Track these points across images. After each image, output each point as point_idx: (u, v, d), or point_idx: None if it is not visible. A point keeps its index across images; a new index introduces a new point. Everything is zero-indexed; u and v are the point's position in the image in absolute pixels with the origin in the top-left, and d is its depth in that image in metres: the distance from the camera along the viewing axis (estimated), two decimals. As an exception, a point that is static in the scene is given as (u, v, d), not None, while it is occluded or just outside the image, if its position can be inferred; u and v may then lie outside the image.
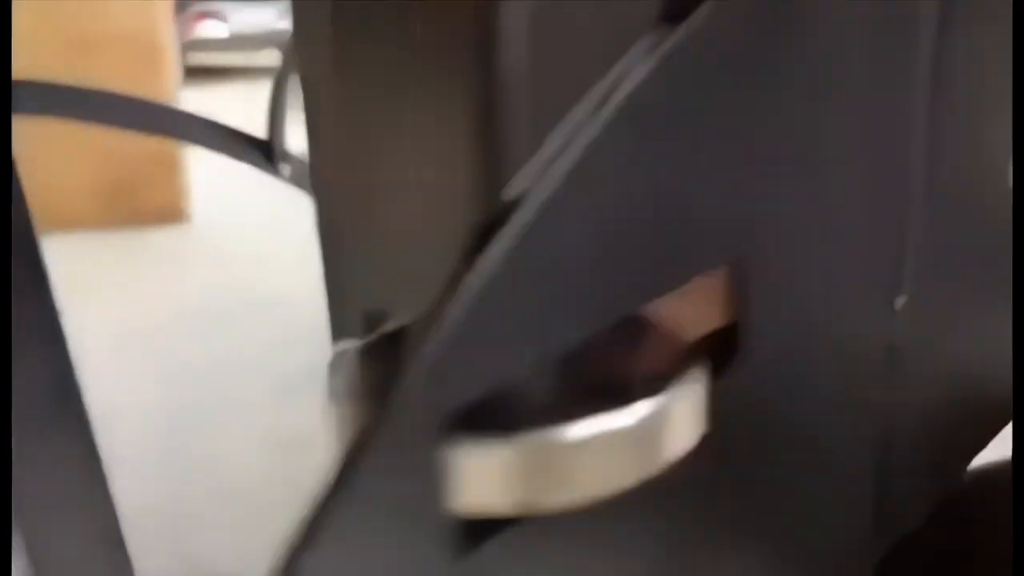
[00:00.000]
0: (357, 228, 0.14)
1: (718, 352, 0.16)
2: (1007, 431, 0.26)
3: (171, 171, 1.20)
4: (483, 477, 0.11)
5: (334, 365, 0.13)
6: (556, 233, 0.11)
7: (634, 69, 0.12)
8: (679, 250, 0.13)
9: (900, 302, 0.21)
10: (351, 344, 0.13)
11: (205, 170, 1.19)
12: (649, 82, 0.12)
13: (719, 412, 0.15)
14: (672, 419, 0.13)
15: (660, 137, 0.12)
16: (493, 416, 0.12)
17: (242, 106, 0.93)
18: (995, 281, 0.23)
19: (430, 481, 0.11)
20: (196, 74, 1.82)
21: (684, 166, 0.13)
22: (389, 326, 0.13)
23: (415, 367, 0.10)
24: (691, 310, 0.15)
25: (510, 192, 0.11)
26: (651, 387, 0.13)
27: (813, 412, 0.19)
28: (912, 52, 0.18)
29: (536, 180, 0.11)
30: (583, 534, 0.13)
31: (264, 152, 0.75)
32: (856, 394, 0.20)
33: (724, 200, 0.14)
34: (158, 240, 1.17)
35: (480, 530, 0.12)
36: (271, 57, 1.59)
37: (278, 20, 1.93)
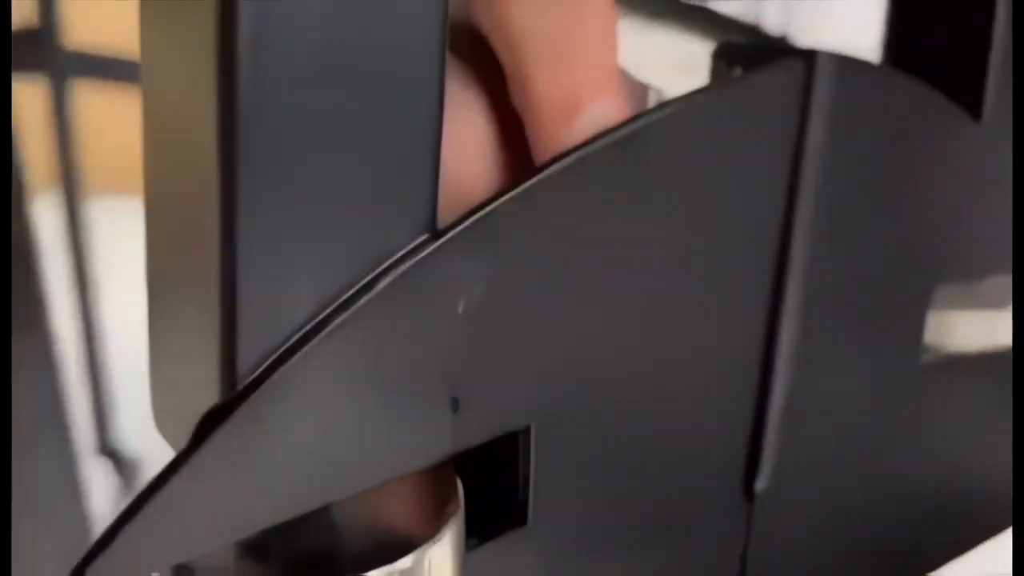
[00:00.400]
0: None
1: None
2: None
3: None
4: None
5: None
6: (289, 418, 0.12)
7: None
8: (453, 418, 0.13)
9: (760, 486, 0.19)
10: None
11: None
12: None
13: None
14: (425, 570, 0.13)
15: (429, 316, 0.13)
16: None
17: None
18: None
19: None
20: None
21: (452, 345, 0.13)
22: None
23: (124, 523, 0.11)
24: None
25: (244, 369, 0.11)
26: (415, 530, 0.13)
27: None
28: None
29: (272, 366, 0.11)
30: None
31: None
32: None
33: (512, 368, 0.14)
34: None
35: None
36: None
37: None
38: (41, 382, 0.48)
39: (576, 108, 0.15)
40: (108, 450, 0.86)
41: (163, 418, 0.14)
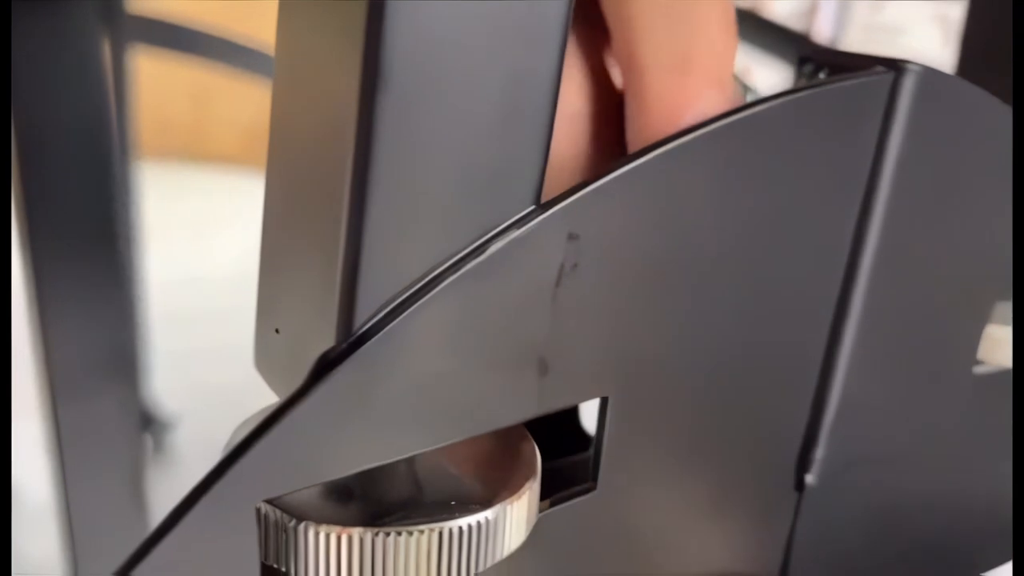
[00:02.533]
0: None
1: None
2: None
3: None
4: (327, 556, 0.13)
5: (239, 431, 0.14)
6: (397, 368, 0.13)
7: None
8: (539, 381, 0.14)
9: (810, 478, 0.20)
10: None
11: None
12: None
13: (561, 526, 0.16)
14: (502, 526, 0.14)
15: (531, 291, 0.13)
16: (354, 503, 0.14)
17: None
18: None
19: (238, 552, 0.12)
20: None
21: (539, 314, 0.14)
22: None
23: (242, 453, 0.12)
24: None
25: (361, 318, 0.12)
26: (491, 493, 0.14)
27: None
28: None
29: (387, 317, 0.12)
30: None
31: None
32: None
33: (596, 339, 0.15)
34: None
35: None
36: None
37: None
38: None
39: (685, 111, 0.15)
40: (142, 411, 0.87)
41: (267, 361, 0.15)
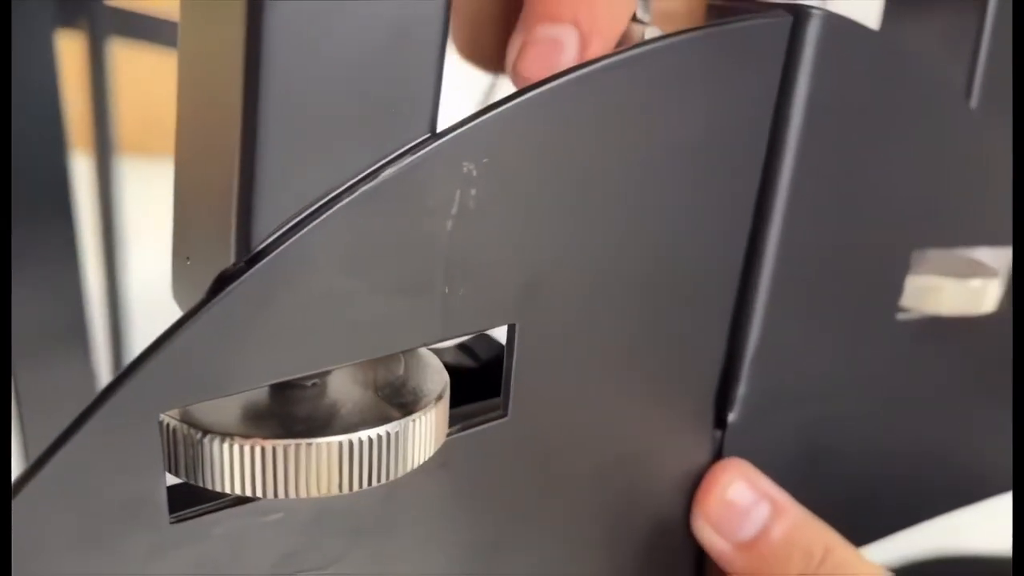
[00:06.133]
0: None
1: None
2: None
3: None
4: (230, 467, 0.13)
5: None
6: (292, 286, 0.13)
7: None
8: (443, 305, 0.15)
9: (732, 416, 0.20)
10: None
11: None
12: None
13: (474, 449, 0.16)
14: (406, 439, 0.14)
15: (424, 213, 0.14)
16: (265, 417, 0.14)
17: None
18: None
19: (141, 461, 0.13)
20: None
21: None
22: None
23: (140, 365, 0.12)
24: None
25: (258, 238, 0.13)
26: (397, 410, 0.15)
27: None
28: None
29: (281, 237, 0.13)
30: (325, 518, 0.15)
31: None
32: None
33: (497, 266, 0.15)
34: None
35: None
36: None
37: None
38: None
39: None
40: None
41: (180, 288, 0.15)
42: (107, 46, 0.76)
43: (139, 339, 0.88)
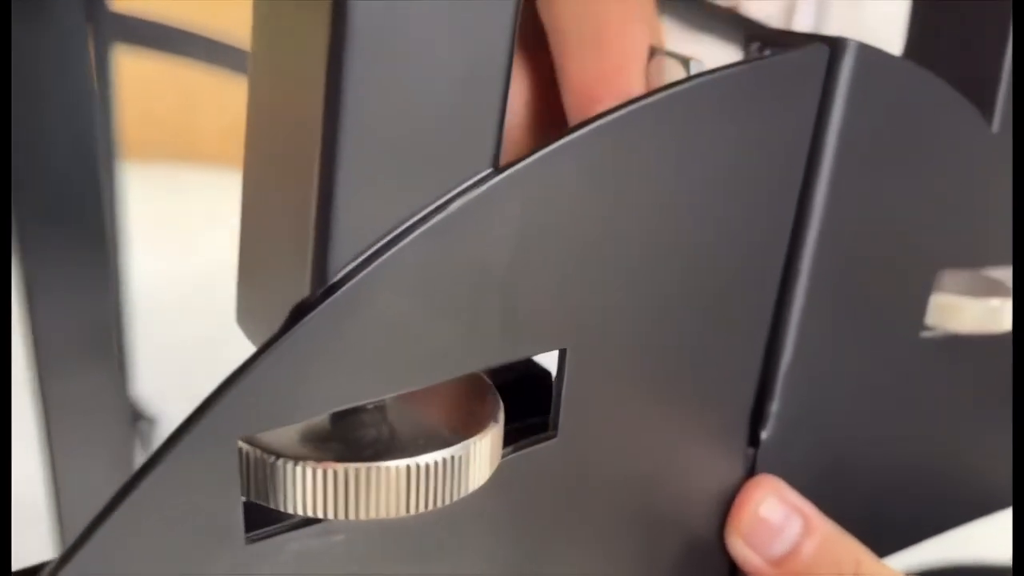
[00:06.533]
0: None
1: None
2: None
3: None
4: (302, 490, 0.14)
5: None
6: (365, 316, 0.14)
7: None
8: (500, 331, 0.15)
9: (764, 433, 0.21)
10: None
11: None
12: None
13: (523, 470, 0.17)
14: (466, 462, 0.15)
15: (493, 243, 0.15)
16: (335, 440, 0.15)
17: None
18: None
19: (221, 485, 0.13)
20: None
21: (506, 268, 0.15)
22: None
23: (223, 393, 0.13)
24: None
25: (333, 269, 0.13)
26: (456, 434, 0.15)
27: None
28: None
29: (356, 269, 0.13)
30: (391, 541, 0.16)
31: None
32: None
33: (553, 294, 0.16)
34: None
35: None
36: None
37: None
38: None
39: (600, 86, 0.17)
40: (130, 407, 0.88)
41: (247, 315, 0.16)
42: (111, 51, 0.77)
43: (142, 341, 0.88)
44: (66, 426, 0.48)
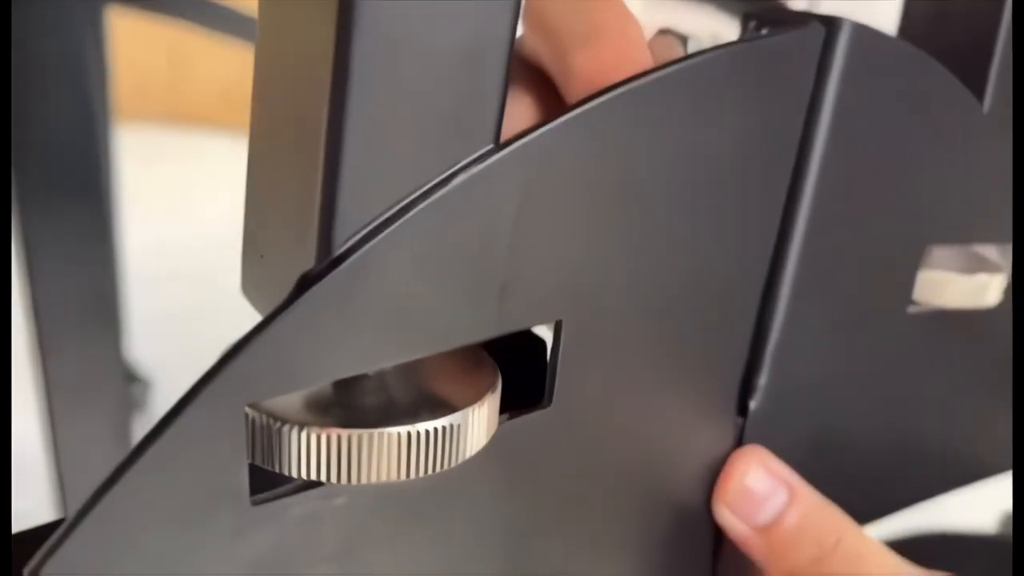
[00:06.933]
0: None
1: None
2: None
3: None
4: (308, 455, 0.15)
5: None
6: (370, 287, 0.14)
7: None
8: (499, 303, 0.16)
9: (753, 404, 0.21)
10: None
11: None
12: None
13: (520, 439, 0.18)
14: (464, 430, 0.15)
15: (493, 220, 0.15)
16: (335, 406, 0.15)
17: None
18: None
19: (228, 449, 0.14)
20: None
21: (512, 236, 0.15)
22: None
23: (230, 360, 0.13)
24: None
25: (339, 241, 0.14)
26: (454, 402, 0.16)
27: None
28: None
29: (361, 241, 0.14)
30: (391, 507, 0.16)
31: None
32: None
33: (551, 267, 0.16)
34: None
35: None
36: None
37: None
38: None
39: (601, 80, 0.17)
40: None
41: (252, 284, 0.16)
42: (104, 14, 0.76)
43: (135, 306, 0.88)
44: (64, 388, 0.49)
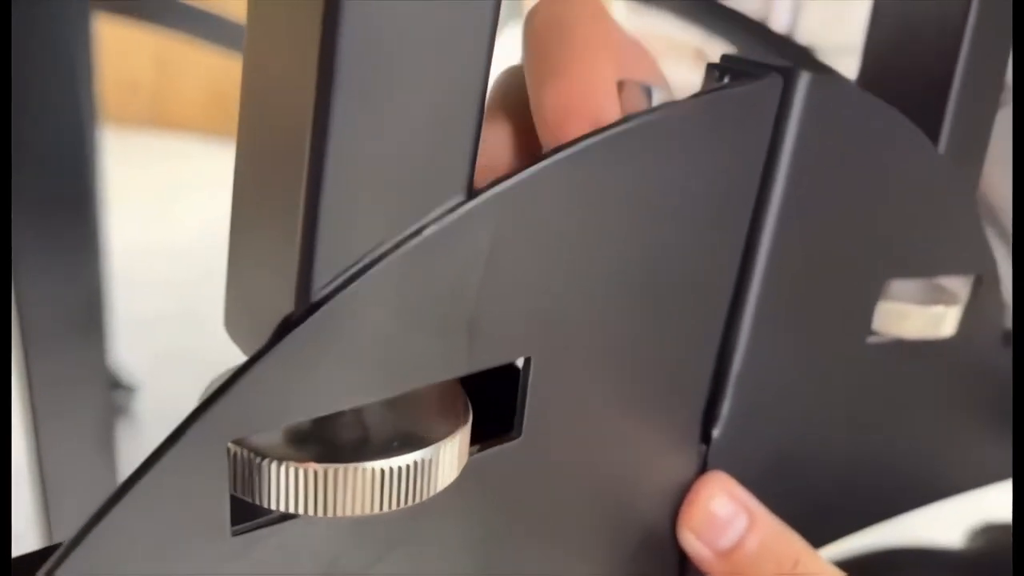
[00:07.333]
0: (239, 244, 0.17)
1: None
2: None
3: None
4: (287, 488, 0.15)
5: (211, 387, 0.15)
6: (346, 330, 0.15)
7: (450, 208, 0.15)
8: (470, 342, 0.17)
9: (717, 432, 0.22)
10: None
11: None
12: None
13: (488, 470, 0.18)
14: (436, 464, 0.16)
15: (468, 268, 0.16)
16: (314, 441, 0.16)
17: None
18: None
19: (211, 483, 0.15)
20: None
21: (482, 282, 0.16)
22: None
23: (214, 401, 0.14)
24: None
25: (317, 286, 0.15)
26: (427, 436, 0.17)
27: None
28: None
29: (338, 287, 0.15)
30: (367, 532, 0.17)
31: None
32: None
33: (519, 308, 0.17)
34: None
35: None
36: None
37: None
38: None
39: (570, 117, 0.18)
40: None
41: (235, 324, 0.17)
42: (91, 19, 0.76)
43: (119, 312, 0.89)
44: (48, 393, 0.49)
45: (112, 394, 0.89)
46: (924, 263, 0.25)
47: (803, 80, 0.19)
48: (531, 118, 0.19)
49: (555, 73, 0.18)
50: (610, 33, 0.19)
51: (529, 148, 0.20)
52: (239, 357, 0.16)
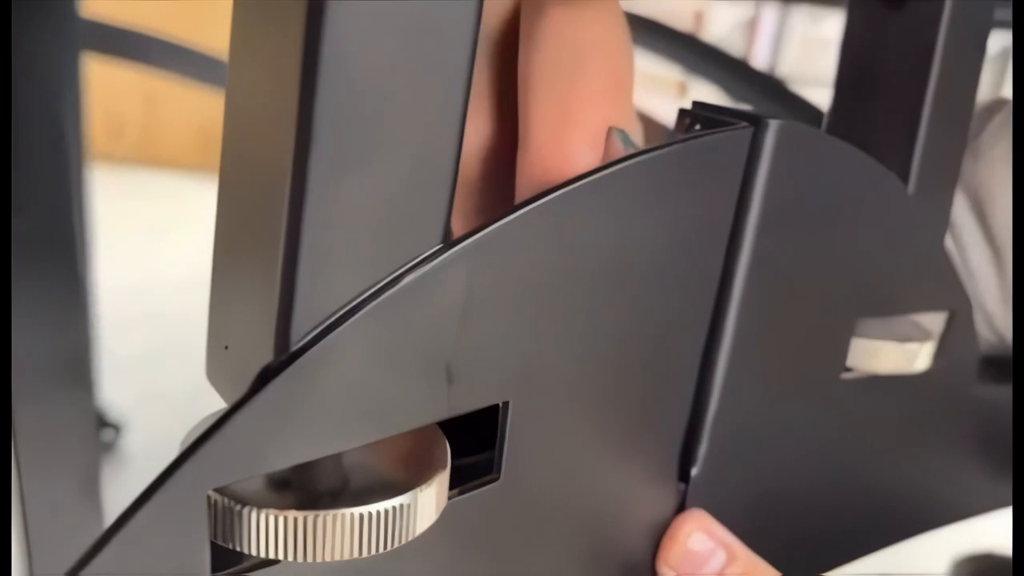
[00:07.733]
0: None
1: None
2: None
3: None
4: (266, 535, 0.16)
5: (192, 433, 0.16)
6: (326, 379, 0.15)
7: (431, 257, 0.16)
8: (448, 388, 0.17)
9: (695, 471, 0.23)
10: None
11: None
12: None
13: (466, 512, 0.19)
14: (414, 510, 0.17)
15: (448, 318, 0.16)
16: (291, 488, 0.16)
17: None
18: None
19: (191, 531, 0.15)
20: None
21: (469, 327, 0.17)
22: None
23: (195, 450, 0.14)
24: None
25: (296, 337, 0.15)
26: (405, 482, 0.17)
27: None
28: None
29: (316, 337, 0.15)
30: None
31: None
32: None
33: (496, 354, 0.17)
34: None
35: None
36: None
37: None
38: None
39: (560, 167, 0.18)
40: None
41: (216, 373, 0.17)
42: (81, 57, 0.77)
43: (105, 349, 0.89)
44: (33, 434, 0.49)
45: (99, 432, 0.88)
46: (896, 301, 0.26)
47: (772, 128, 0.20)
48: (515, 84, 0.19)
49: (554, 118, 0.18)
50: (617, 80, 0.19)
51: (503, 140, 0.20)
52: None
